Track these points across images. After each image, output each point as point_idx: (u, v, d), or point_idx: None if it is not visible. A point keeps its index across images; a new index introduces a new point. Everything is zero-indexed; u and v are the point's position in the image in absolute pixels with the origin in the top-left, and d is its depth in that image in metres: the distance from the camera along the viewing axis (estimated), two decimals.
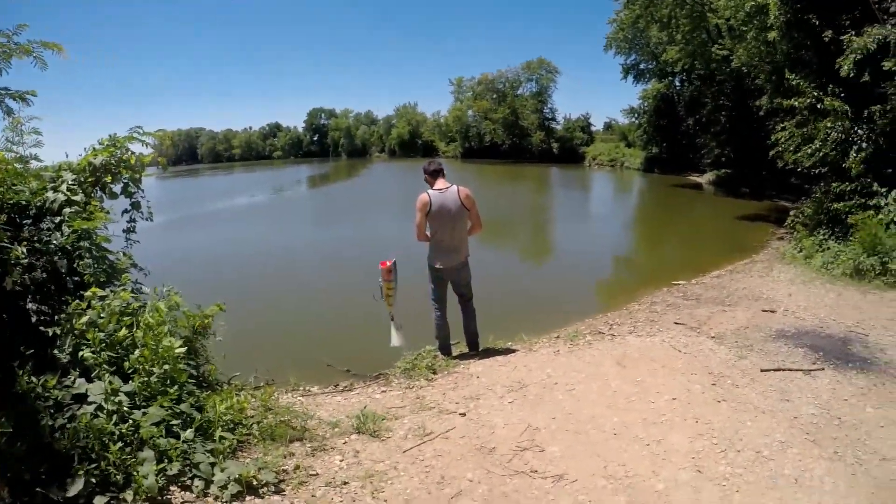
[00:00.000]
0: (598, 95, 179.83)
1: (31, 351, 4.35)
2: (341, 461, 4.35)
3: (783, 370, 5.98)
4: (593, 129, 78.98)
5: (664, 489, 3.98)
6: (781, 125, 13.65)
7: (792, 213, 14.48)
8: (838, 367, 6.04)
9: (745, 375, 5.86)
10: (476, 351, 7.03)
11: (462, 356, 6.88)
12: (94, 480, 3.67)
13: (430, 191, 6.50)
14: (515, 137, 78.80)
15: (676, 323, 7.84)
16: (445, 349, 6.92)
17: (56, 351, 4.60)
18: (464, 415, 5.17)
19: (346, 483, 4.06)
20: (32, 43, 5.37)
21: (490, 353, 6.95)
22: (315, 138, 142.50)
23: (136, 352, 4.43)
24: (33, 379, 4.01)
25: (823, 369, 5.99)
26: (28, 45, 5.37)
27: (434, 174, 6.63)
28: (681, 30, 31.47)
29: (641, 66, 49.63)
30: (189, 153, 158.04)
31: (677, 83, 46.64)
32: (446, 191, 6.47)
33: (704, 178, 37.33)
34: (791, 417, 4.97)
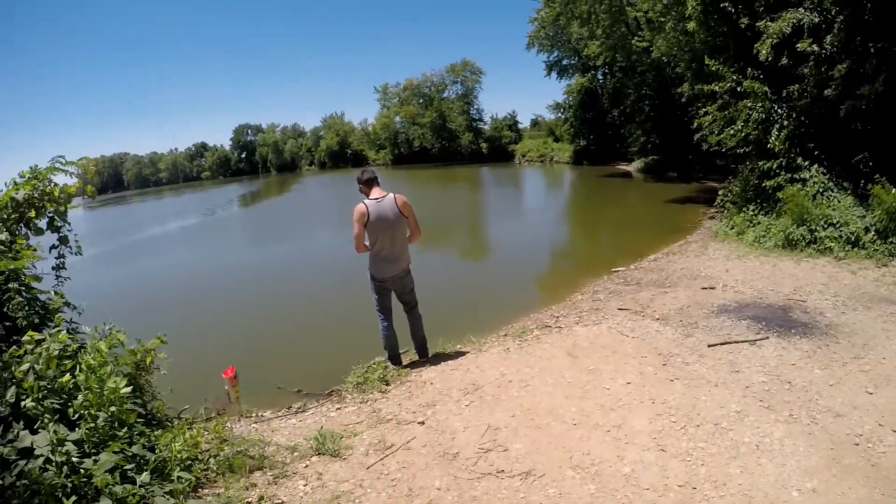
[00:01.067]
0: (524, 93, 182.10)
1: None
2: (305, 486, 4.26)
3: (730, 343, 6.18)
4: (521, 126, 79.97)
5: (631, 472, 4.07)
6: (704, 110, 14.18)
7: (721, 192, 15.03)
8: (782, 335, 6.28)
9: (693, 352, 6.03)
10: (426, 357, 6.99)
11: (413, 364, 6.84)
12: None
13: (366, 201, 6.39)
14: (444, 140, 79.22)
15: (620, 309, 7.97)
16: (395, 359, 6.85)
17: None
18: (423, 423, 5.14)
19: None
20: None
21: (441, 357, 6.92)
22: (243, 155, 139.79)
23: (80, 396, 4.24)
24: None
25: (768, 338, 6.22)
26: None
27: (368, 183, 6.52)
28: (601, 24, 32.21)
29: (564, 62, 50.33)
30: (115, 180, 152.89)
31: (600, 76, 47.67)
32: (383, 199, 6.38)
33: (633, 166, 38.53)
34: (743, 387, 5.15)
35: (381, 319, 6.75)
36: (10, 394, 4.32)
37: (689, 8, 15.33)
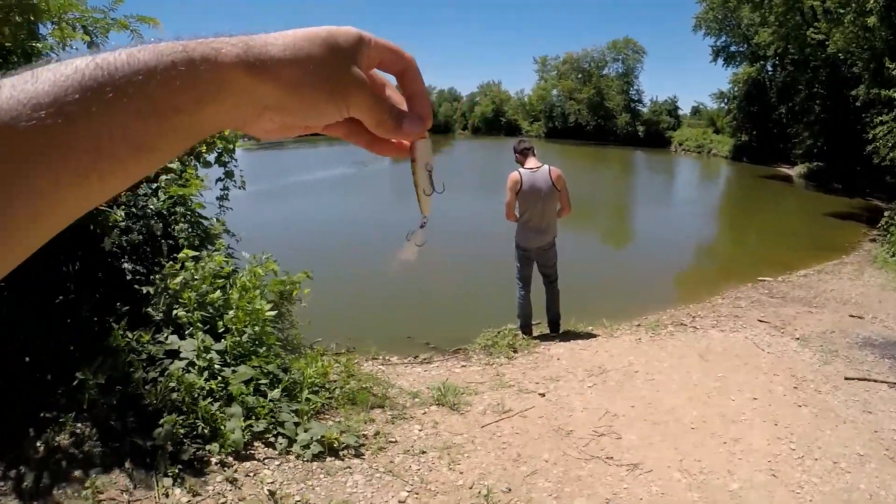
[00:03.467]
0: (687, 78, 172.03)
1: (127, 308, 4.55)
2: (420, 431, 4.41)
3: (868, 380, 5.70)
4: (680, 112, 76.06)
5: (738, 489, 3.88)
6: (879, 118, 12.87)
7: (886, 213, 13.75)
8: None
9: (828, 381, 5.62)
10: (557, 332, 6.94)
11: (543, 337, 6.83)
12: (182, 431, 3.86)
13: (521, 169, 6.38)
14: (600, 119, 76.44)
15: (761, 320, 7.58)
16: (527, 328, 6.86)
17: (150, 309, 4.80)
18: (543, 395, 5.14)
19: (423, 452, 4.13)
20: (129, 17, 5.58)
21: (571, 335, 6.87)
22: None
23: (231, 312, 4.58)
24: (128, 334, 4.20)
25: None
26: (125, 19, 5.58)
27: (524, 153, 6.50)
28: (773, 11, 29.71)
29: (732, 48, 46.73)
30: None
31: (769, 68, 43.78)
32: (537, 170, 6.33)
33: (795, 171, 35.15)
34: (872, 430, 4.74)
35: (520, 288, 6.76)
36: (164, 302, 4.73)
37: (871, 0, 13.96)
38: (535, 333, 6.92)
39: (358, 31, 0.54)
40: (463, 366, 5.97)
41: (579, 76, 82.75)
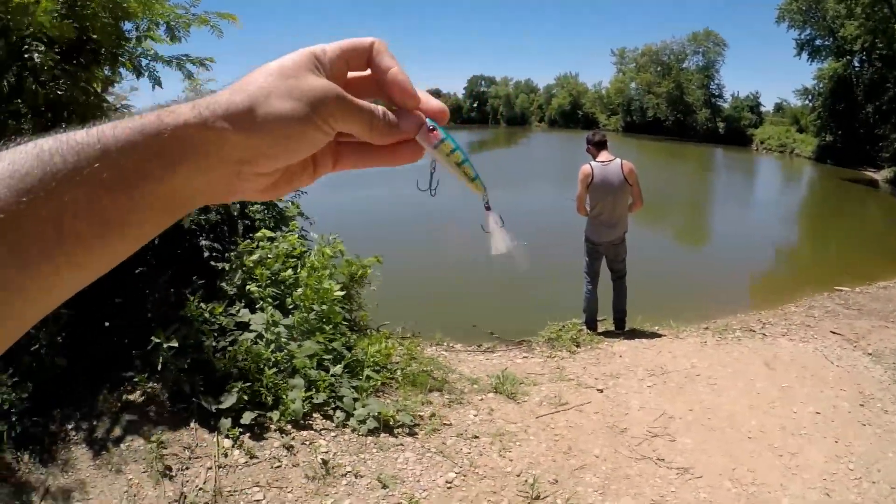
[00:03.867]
0: (770, 73, 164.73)
1: (202, 282, 4.82)
2: (475, 416, 4.50)
3: None
4: (763, 109, 73.11)
5: None
6: None
7: None
8: None
9: None
10: (622, 330, 6.89)
11: (607, 333, 6.81)
12: (245, 398, 4.11)
13: (592, 162, 6.35)
14: (679, 114, 74.09)
15: (833, 332, 7.33)
16: (591, 324, 6.85)
17: (224, 283, 5.06)
18: (601, 391, 5.15)
19: (476, 437, 4.22)
20: (209, 13, 5.85)
21: (635, 333, 6.82)
22: (475, 105, 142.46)
23: (299, 290, 4.77)
24: (202, 305, 4.46)
25: None
26: (205, 15, 5.85)
27: (598, 145, 6.45)
28: (860, 2, 28.37)
29: (817, 42, 43.83)
30: None
31: (856, 63, 40.86)
32: (609, 164, 6.29)
33: (881, 175, 32.61)
34: None
35: (587, 283, 6.76)
36: (238, 277, 4.98)
37: None
38: (599, 329, 6.90)
39: (308, 48, 0.52)
40: (525, 357, 6.02)
41: (658, 69, 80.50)
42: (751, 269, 12.75)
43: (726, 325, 7.36)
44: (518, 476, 3.86)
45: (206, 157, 0.46)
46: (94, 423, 4.18)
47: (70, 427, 4.05)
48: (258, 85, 0.48)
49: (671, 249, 14.86)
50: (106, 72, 5.91)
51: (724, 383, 5.45)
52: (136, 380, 4.37)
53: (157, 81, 6.14)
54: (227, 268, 5.16)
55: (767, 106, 75.40)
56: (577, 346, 6.29)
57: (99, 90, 5.91)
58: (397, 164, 0.61)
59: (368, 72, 0.57)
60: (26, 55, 4.88)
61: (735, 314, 8.29)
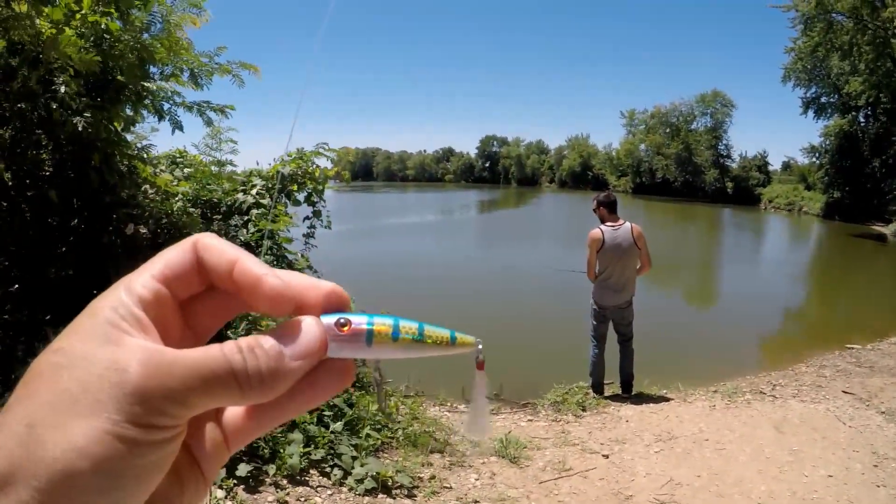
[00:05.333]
0: (777, 131, 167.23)
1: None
2: (476, 480, 4.40)
3: None
4: (770, 168, 73.38)
5: None
6: None
7: None
8: None
9: None
10: (629, 394, 6.79)
11: (614, 397, 6.71)
12: (242, 448, 4.01)
13: (602, 227, 6.36)
14: (688, 175, 74.77)
15: (845, 392, 7.19)
16: (598, 387, 6.76)
17: (230, 332, 5.04)
18: (607, 457, 5.04)
19: (476, 502, 4.12)
20: (232, 63, 6.04)
21: (643, 398, 6.72)
22: (486, 165, 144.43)
23: None
24: None
25: None
26: (227, 65, 6.04)
27: (609, 206, 6.46)
28: (863, 58, 28.83)
29: (822, 99, 44.64)
30: (365, 171, 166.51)
31: (861, 119, 42.04)
32: (619, 227, 6.31)
33: (889, 229, 32.79)
34: None
35: (594, 346, 6.69)
36: (243, 327, 4.95)
37: None
38: (606, 393, 6.80)
39: (101, 299, 0.35)
40: (529, 420, 5.94)
41: (667, 130, 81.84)
42: (760, 328, 12.60)
43: (735, 387, 7.24)
44: None
45: None
46: None
47: None
48: (22, 411, 0.31)
49: (679, 310, 14.70)
50: (128, 111, 6.07)
51: (733, 448, 5.33)
52: None
53: (178, 125, 6.29)
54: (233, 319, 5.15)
55: (775, 164, 75.62)
56: (583, 409, 6.20)
57: (120, 129, 6.06)
58: (326, 399, 0.40)
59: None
60: (54, 87, 5.01)
61: (744, 376, 8.16)
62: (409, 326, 0.42)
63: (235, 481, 3.88)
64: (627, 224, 6.36)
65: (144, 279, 0.36)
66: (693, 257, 24.81)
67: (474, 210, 54.04)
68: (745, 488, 4.61)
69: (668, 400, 6.69)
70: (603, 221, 6.42)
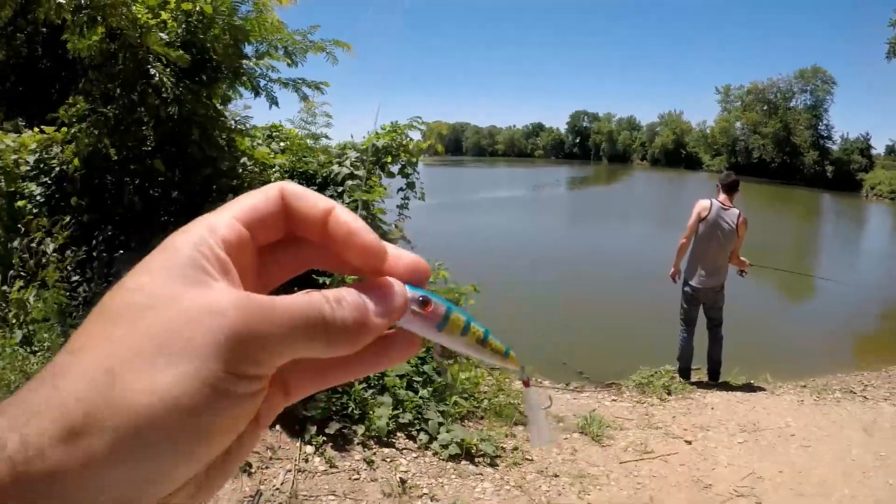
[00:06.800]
0: (882, 113, 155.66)
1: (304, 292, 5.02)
2: (558, 454, 4.48)
3: None
4: (874, 152, 69.54)
5: None
6: None
7: None
8: None
9: None
10: (715, 381, 6.70)
11: (699, 383, 6.63)
12: (333, 408, 4.28)
13: (713, 199, 6.31)
14: (785, 156, 71.69)
15: None
16: (685, 372, 6.70)
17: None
18: (689, 443, 5.00)
19: (556, 476, 4.20)
20: (325, 41, 6.22)
21: (729, 386, 6.60)
22: (577, 140, 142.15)
23: None
24: None
25: None
26: (321, 42, 6.21)
27: (729, 188, 6.38)
28: None
29: None
30: (454, 145, 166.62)
31: None
32: (728, 210, 6.24)
33: None
34: None
35: (683, 330, 6.63)
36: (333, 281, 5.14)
37: None
38: (692, 379, 6.73)
39: (184, 234, 0.33)
40: (613, 400, 5.96)
41: (764, 108, 78.07)
42: (855, 325, 12.01)
43: (825, 384, 7.01)
44: None
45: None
46: None
47: None
48: (97, 355, 0.29)
49: (771, 300, 14.22)
50: (226, 89, 6.35)
51: (819, 446, 5.17)
52: None
53: (273, 101, 6.55)
54: (327, 282, 5.35)
55: (879, 148, 71.75)
56: (669, 393, 6.16)
57: (218, 105, 6.35)
58: (388, 366, 0.39)
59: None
60: (150, 70, 5.31)
61: (835, 373, 7.87)
62: (477, 329, 0.42)
63: (325, 438, 4.11)
64: (736, 210, 6.28)
65: (227, 220, 0.34)
66: (788, 244, 23.63)
67: (564, 186, 53.45)
68: (826, 489, 4.48)
69: (755, 391, 6.55)
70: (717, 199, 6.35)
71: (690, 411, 5.74)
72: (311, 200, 0.36)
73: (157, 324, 0.29)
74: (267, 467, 3.91)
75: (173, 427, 0.28)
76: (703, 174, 72.89)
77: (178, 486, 0.30)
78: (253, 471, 3.87)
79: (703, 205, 6.28)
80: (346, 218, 0.36)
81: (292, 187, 0.36)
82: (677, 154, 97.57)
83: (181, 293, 0.30)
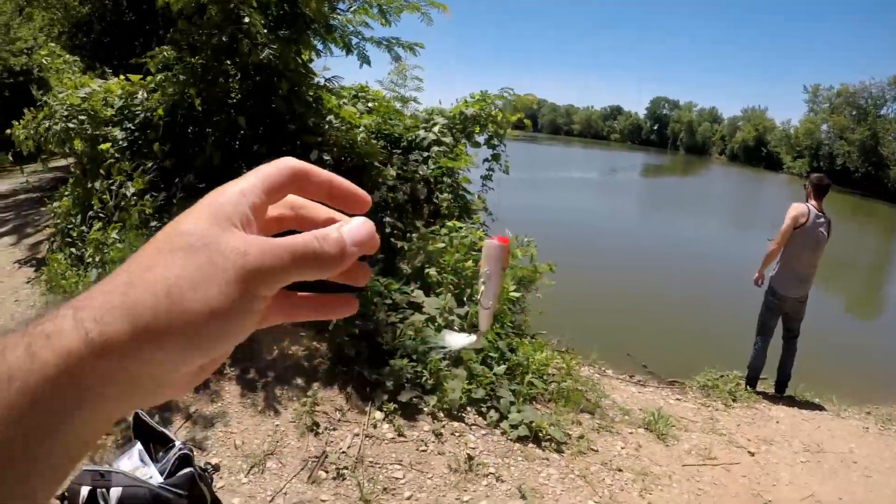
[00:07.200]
0: None
1: (381, 256, 5.06)
2: (622, 448, 4.48)
3: None
4: None
5: None
6: None
7: None
8: None
9: None
10: (781, 394, 6.53)
11: (766, 395, 6.48)
12: (407, 377, 4.33)
13: (808, 203, 6.01)
14: (871, 166, 67.48)
15: None
16: (753, 381, 6.53)
17: (403, 263, 5.31)
18: (753, 454, 4.93)
19: (620, 470, 4.19)
20: (420, 1, 6.17)
21: (795, 402, 6.44)
22: (655, 127, 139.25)
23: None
24: (378, 279, 4.69)
25: None
26: (416, 2, 6.17)
27: (819, 191, 6.06)
28: None
29: None
30: (529, 121, 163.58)
31: None
32: (823, 216, 5.97)
33: None
34: None
35: (759, 338, 6.43)
36: (419, 259, 5.21)
37: None
38: (758, 388, 6.59)
39: (218, 196, 0.45)
40: (677, 399, 5.89)
41: (853, 113, 73.89)
42: None
43: (891, 414, 6.76)
44: None
45: (103, 400, 0.39)
46: (249, 361, 4.53)
47: (227, 363, 4.38)
48: (161, 274, 0.40)
49: (842, 317, 13.62)
50: (317, 44, 6.39)
51: (881, 478, 5.02)
52: (301, 333, 4.70)
53: (365, 60, 6.56)
54: (406, 247, 5.42)
55: None
56: (734, 400, 6.07)
57: (307, 61, 6.41)
58: (333, 317, 0.54)
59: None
60: (240, 19, 5.38)
61: None
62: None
63: (395, 405, 4.19)
64: (827, 217, 6.03)
65: (257, 189, 0.46)
66: (866, 261, 22.71)
67: (639, 172, 52.42)
68: None
69: (820, 409, 6.39)
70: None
71: (755, 422, 5.65)
72: (319, 171, 0.50)
73: (205, 259, 0.40)
74: (334, 429, 4.02)
75: (211, 328, 0.40)
76: (784, 176, 70.42)
77: (189, 370, 0.42)
78: (320, 431, 3.98)
79: (800, 210, 5.95)
80: (344, 181, 0.50)
81: (299, 162, 0.49)
82: (758, 152, 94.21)
83: (220, 237, 0.41)
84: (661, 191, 40.03)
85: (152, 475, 2.75)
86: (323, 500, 3.46)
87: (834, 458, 5.22)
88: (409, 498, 3.58)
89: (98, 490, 2.46)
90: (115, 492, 2.43)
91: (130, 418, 2.97)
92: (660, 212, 26.65)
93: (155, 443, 3.01)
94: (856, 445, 5.56)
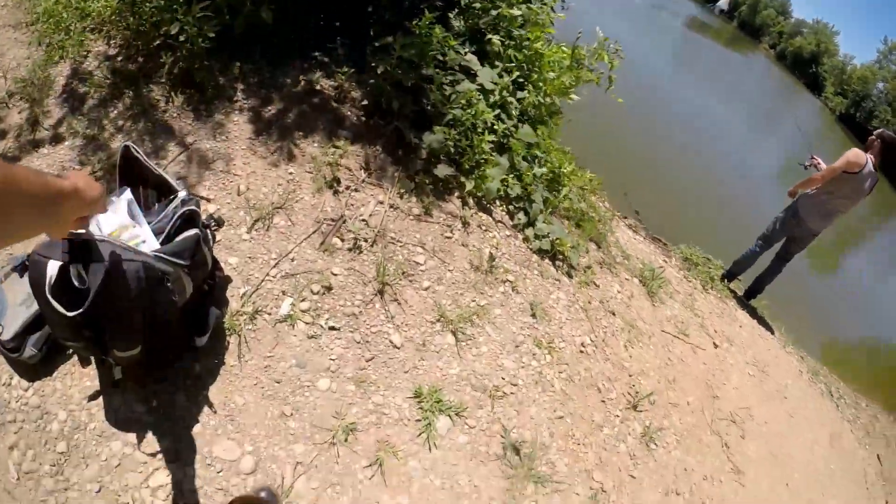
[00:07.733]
0: None
1: (441, 3, 4.32)
2: (618, 293, 4.42)
3: None
4: None
5: None
6: None
7: None
8: None
9: None
10: (747, 300, 6.59)
11: (735, 294, 6.55)
12: (450, 149, 3.83)
13: (868, 155, 5.54)
14: None
15: None
16: (731, 277, 6.59)
17: (460, 19, 4.48)
18: (717, 347, 5.01)
19: (613, 314, 4.17)
20: None
21: (755, 314, 6.48)
22: None
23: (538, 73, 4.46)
24: (436, 28, 3.89)
25: None
26: None
27: (889, 152, 5.57)
28: None
29: None
30: None
31: None
32: (875, 173, 5.55)
33: None
34: None
35: (759, 243, 6.38)
36: (484, 22, 4.45)
37: None
38: (730, 286, 6.63)
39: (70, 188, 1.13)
40: (664, 260, 5.85)
41: None
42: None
43: (817, 369, 6.83)
44: (630, 377, 3.83)
45: (60, 214, 1.11)
46: (270, 94, 3.85)
47: (240, 88, 3.77)
48: (83, 183, 1.17)
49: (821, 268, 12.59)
50: None
51: (800, 422, 5.29)
52: (338, 71, 3.96)
53: None
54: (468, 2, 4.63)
55: None
56: (711, 286, 6.11)
57: None
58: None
59: None
60: None
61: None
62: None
63: (429, 180, 3.80)
64: (877, 177, 5.63)
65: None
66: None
67: (682, 22, 49.66)
68: (795, 462, 4.68)
69: (772, 333, 6.47)
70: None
71: (723, 317, 5.72)
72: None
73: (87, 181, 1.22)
74: (356, 190, 3.52)
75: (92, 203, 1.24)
76: (818, 104, 66.78)
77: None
78: (340, 189, 3.47)
79: (858, 157, 5.47)
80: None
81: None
82: (807, 66, 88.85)
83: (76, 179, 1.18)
84: (701, 51, 38.16)
85: (145, 238, 2.25)
86: (335, 274, 3.12)
87: (772, 384, 5.40)
88: (426, 289, 3.32)
89: (71, 266, 1.91)
90: (97, 268, 1.87)
91: (118, 155, 2.39)
92: (692, 73, 25.48)
93: (146, 187, 2.45)
94: (791, 383, 5.77)
